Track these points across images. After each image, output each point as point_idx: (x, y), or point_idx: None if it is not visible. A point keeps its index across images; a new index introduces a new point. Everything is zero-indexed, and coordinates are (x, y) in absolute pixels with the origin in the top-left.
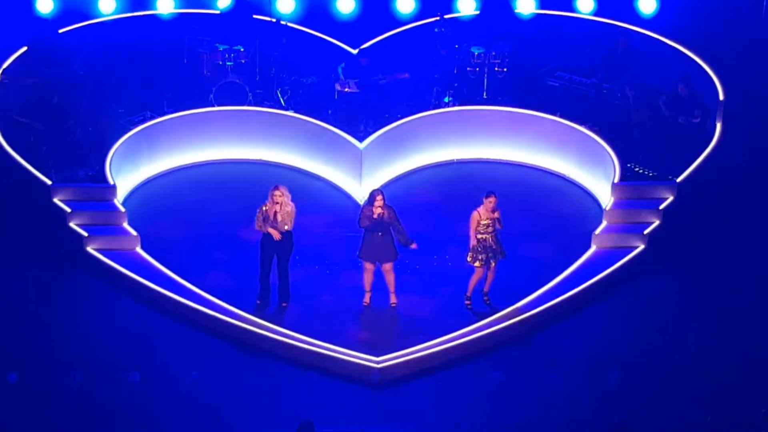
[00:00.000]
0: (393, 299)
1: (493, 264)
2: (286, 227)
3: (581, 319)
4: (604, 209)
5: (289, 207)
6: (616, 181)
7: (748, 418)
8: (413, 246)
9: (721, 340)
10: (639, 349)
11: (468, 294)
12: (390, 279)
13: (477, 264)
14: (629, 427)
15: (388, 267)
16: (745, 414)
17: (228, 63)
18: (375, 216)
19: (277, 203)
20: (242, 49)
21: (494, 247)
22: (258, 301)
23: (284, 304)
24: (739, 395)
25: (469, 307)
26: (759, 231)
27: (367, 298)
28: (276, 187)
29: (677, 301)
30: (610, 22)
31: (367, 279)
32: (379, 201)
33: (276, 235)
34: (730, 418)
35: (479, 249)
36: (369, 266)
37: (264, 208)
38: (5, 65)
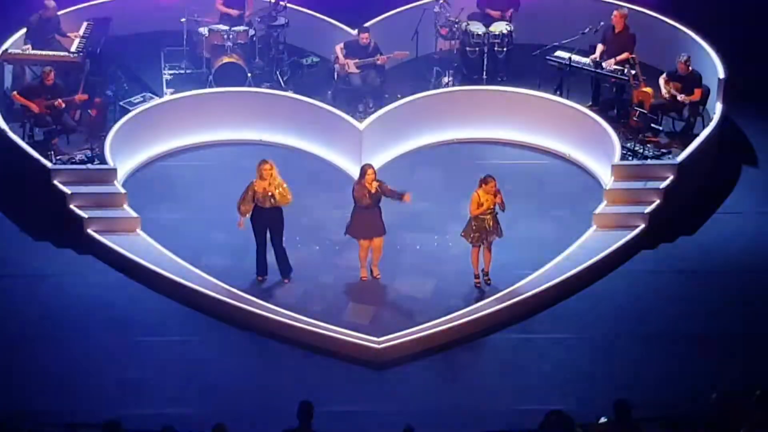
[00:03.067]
0: (376, 272)
1: (488, 241)
2: (284, 203)
3: (581, 299)
4: (605, 189)
5: (279, 180)
6: (616, 161)
7: (750, 396)
8: (407, 198)
9: (722, 319)
10: (641, 329)
11: (475, 273)
12: (377, 254)
13: (468, 240)
14: (631, 406)
15: (378, 243)
16: (748, 391)
17: (228, 45)
18: (373, 191)
19: (266, 178)
20: (241, 30)
21: (491, 228)
22: (259, 278)
23: (286, 280)
24: (740, 373)
25: (478, 285)
26: (759, 209)
27: (363, 273)
28: (263, 161)
29: (678, 280)
30: (611, 2)
31: (363, 256)
32: (370, 175)
33: (240, 226)
34: (733, 396)
35: (474, 227)
36: (364, 243)
37: (254, 188)
38: (6, 45)
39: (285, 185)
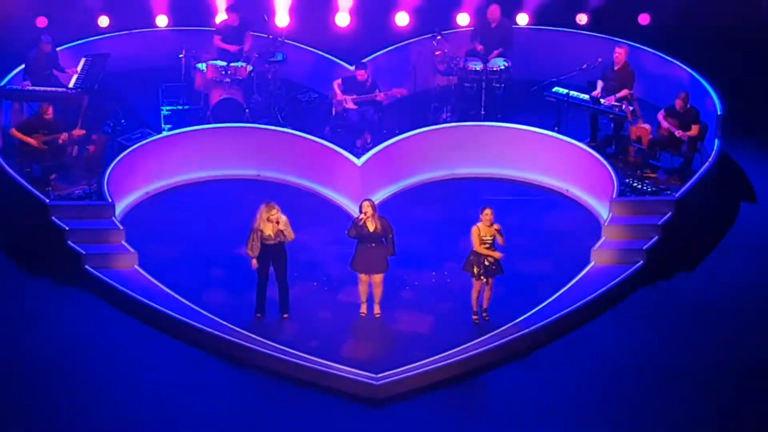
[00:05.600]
0: (377, 310)
1: (490, 280)
2: (291, 238)
3: (581, 335)
4: (603, 225)
5: (284, 217)
6: (614, 196)
7: None
8: (390, 255)
9: (722, 355)
10: (640, 365)
11: (474, 309)
12: (378, 291)
13: (471, 273)
14: None
15: (378, 279)
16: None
17: (226, 80)
18: (371, 230)
19: (272, 221)
20: (239, 66)
21: (492, 264)
22: (258, 315)
23: (285, 315)
24: (738, 411)
25: (476, 322)
26: (759, 246)
27: (363, 309)
28: (269, 206)
29: (677, 316)
30: (608, 37)
31: (362, 290)
32: (365, 208)
33: (254, 265)
34: None
35: (475, 261)
36: (363, 277)
37: (259, 231)
38: (4, 81)
39: (287, 222)
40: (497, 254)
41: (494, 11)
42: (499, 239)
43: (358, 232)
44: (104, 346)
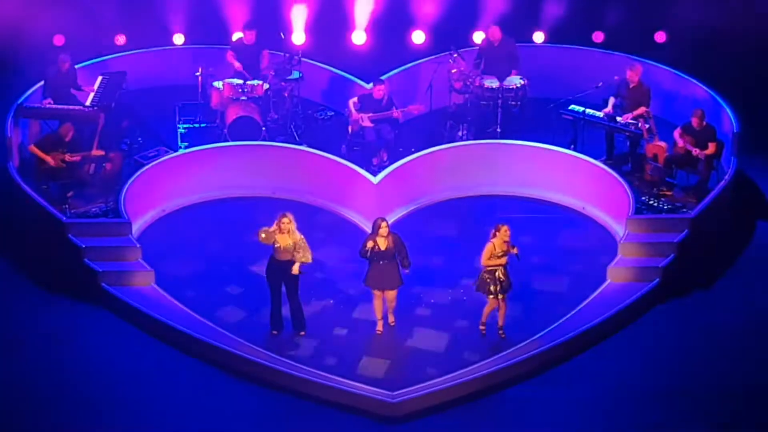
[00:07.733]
0: (391, 319)
1: (502, 297)
2: (309, 257)
3: (597, 353)
4: (619, 243)
5: (299, 235)
6: (630, 214)
7: None
8: (406, 270)
9: (737, 374)
10: (655, 383)
11: (482, 320)
12: (391, 305)
13: (485, 293)
14: None
15: (391, 295)
16: None
17: (242, 98)
18: (384, 248)
19: (284, 232)
20: (256, 84)
21: (503, 279)
22: (273, 332)
23: (301, 333)
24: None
25: (483, 333)
26: None
27: (379, 326)
28: (284, 215)
29: (693, 334)
30: (624, 55)
31: (377, 306)
32: (382, 230)
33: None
34: None
35: (488, 280)
36: (377, 293)
37: (268, 232)
38: (22, 99)
39: (304, 241)
40: (514, 249)
41: (494, 32)
42: (513, 250)
43: (371, 252)
44: (121, 364)
